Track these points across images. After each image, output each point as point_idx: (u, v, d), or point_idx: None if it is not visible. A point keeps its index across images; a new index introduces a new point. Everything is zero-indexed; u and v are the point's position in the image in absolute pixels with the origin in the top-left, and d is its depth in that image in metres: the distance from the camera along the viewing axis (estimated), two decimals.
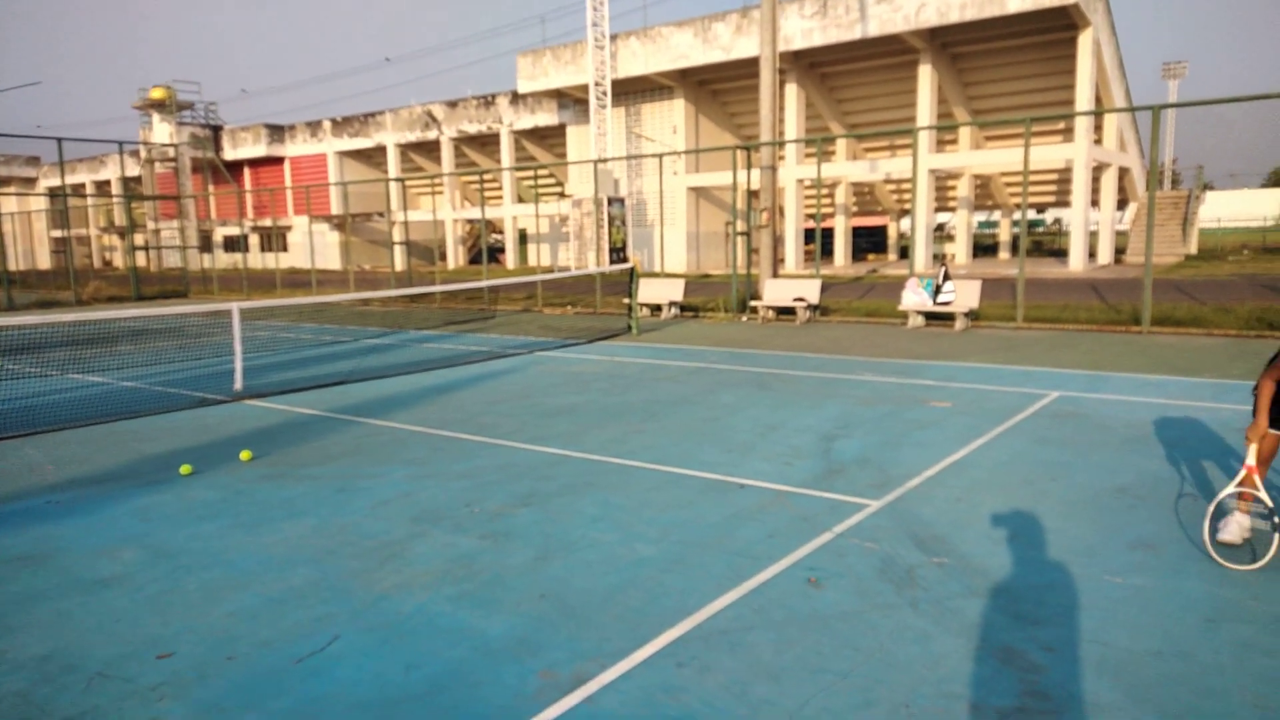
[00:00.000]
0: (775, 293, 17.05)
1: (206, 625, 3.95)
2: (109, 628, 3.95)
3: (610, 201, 26.57)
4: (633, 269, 15.58)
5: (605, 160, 21.93)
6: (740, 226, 18.68)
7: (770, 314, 17.08)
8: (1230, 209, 68.04)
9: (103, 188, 60.52)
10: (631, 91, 35.95)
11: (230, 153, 52.07)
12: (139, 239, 45.89)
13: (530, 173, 42.52)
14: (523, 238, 44.62)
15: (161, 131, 48.78)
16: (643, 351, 12.97)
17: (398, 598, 4.19)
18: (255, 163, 53.04)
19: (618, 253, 26.72)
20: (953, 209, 38.28)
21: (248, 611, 4.08)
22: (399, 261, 28.84)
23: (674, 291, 18.34)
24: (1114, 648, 3.51)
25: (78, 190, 60.54)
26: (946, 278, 14.92)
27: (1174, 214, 33.09)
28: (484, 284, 15.60)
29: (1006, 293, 18.14)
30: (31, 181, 63.75)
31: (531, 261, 42.84)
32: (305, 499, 5.86)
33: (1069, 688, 3.22)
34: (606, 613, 3.95)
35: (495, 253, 51.37)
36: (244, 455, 7.01)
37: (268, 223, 49.29)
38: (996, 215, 48.82)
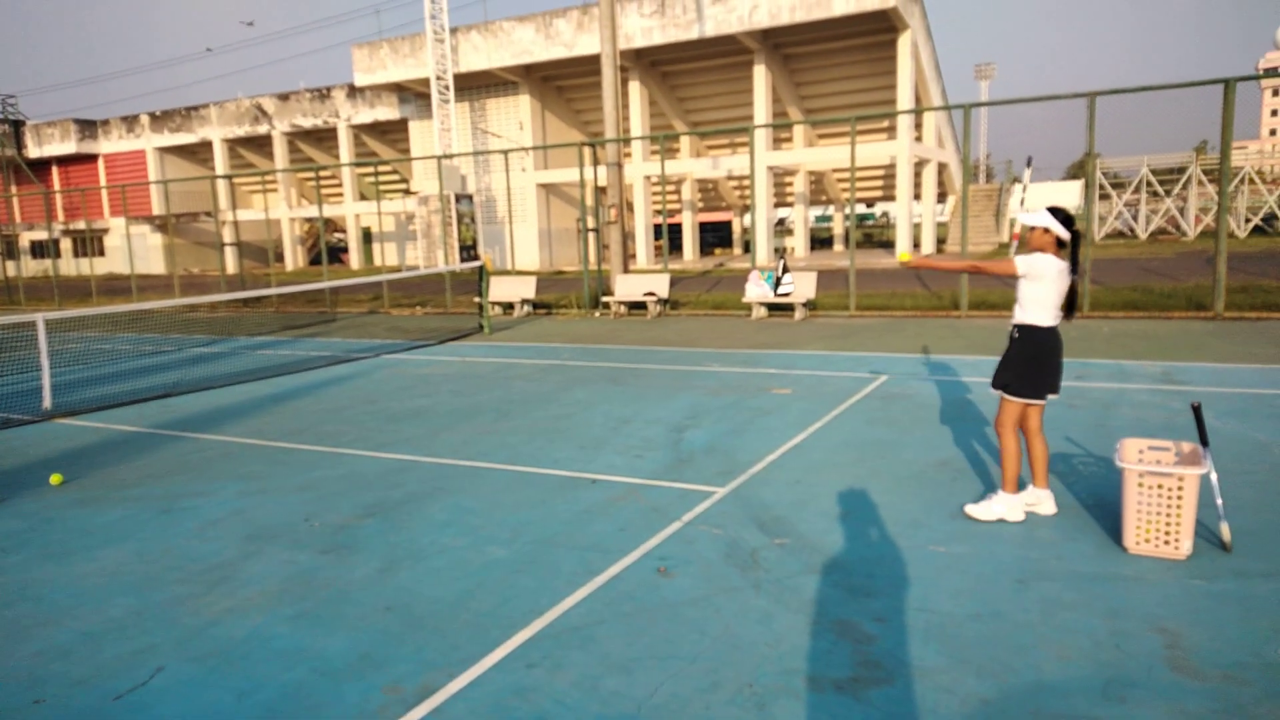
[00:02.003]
0: (626, 288, 17.24)
1: (10, 667, 3.58)
2: None
3: (458, 199, 26.04)
4: (483, 267, 15.34)
5: (450, 156, 21.47)
6: (590, 223, 18.76)
7: (622, 309, 17.25)
8: (1039, 199, 74.50)
9: None
10: (475, 86, 35.38)
11: (35, 150, 47.45)
12: None
13: (371, 169, 41.04)
14: (367, 236, 43.02)
15: None
16: (495, 350, 12.81)
17: (229, 622, 3.94)
18: (65, 161, 48.58)
19: (468, 250, 26.23)
20: (791, 204, 39.96)
21: (59, 649, 3.74)
22: (230, 264, 27.13)
23: (526, 289, 18.20)
24: (937, 614, 3.78)
25: None
26: (785, 270, 15.55)
27: (988, 205, 35.88)
28: (324, 285, 14.93)
29: (841, 283, 19.11)
30: None
31: (377, 261, 41.40)
32: (124, 523, 5.43)
33: (899, 655, 3.43)
34: (455, 620, 3.88)
35: (338, 253, 49.29)
36: (54, 479, 6.41)
37: (81, 225, 45.23)
38: (830, 210, 51.41)
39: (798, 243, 36.87)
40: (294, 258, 43.37)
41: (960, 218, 15.24)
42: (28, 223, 47.61)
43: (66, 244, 48.14)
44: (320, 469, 6.53)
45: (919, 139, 32.32)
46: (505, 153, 20.27)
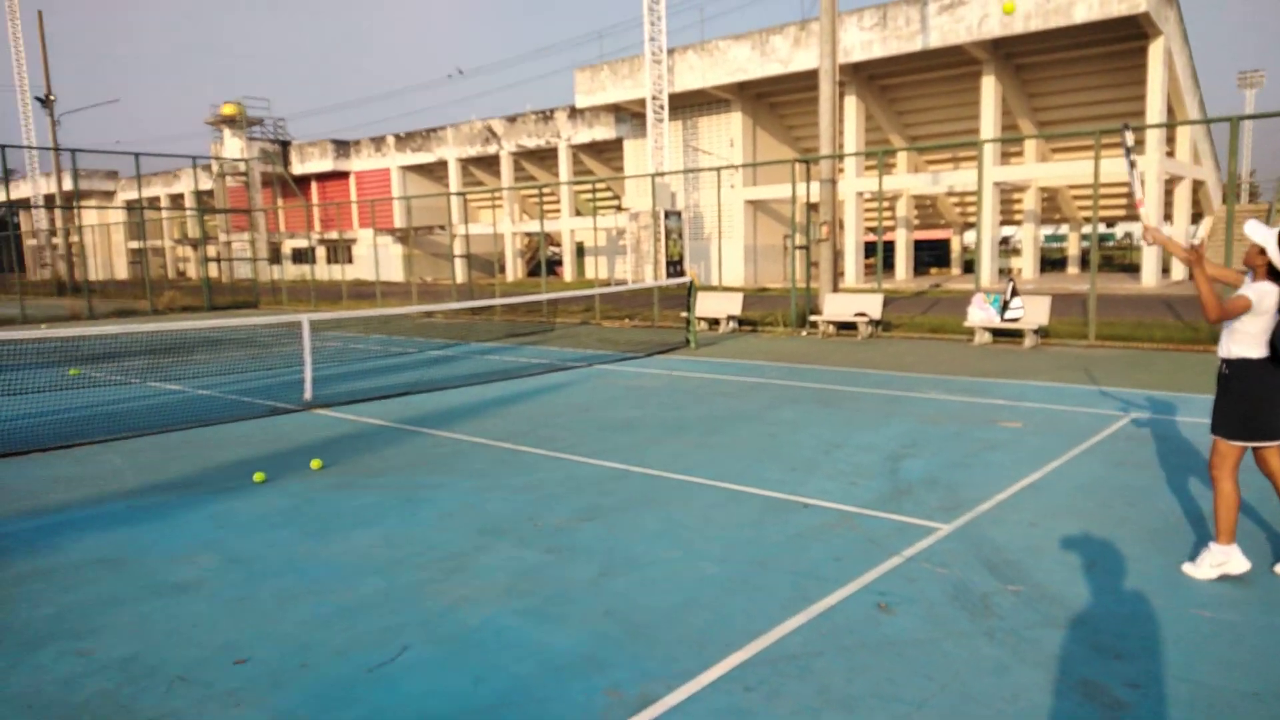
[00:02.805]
0: (836, 307, 16.87)
1: (281, 632, 4.03)
2: (187, 632, 4.06)
3: (667, 215, 26.62)
4: (691, 283, 15.57)
5: (662, 174, 21.99)
6: (799, 240, 18.54)
7: (830, 329, 16.89)
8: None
9: (177, 201, 62.85)
10: (688, 105, 36.06)
11: (298, 167, 53.62)
12: (211, 251, 47.44)
13: (588, 186, 42.89)
14: (580, 250, 44.98)
15: (233, 146, 50.46)
16: (701, 366, 12.94)
17: (465, 610, 4.22)
18: (322, 177, 54.53)
19: (675, 266, 26.73)
20: (1018, 222, 37.45)
21: (320, 619, 4.16)
22: (460, 274, 29.32)
23: (732, 305, 18.27)
24: (1205, 686, 3.36)
25: (153, 203, 62.96)
26: (1014, 293, 14.57)
27: None
28: (543, 297, 15.75)
29: (1077, 309, 17.64)
30: (110, 195, 66.47)
31: (589, 274, 43.17)
32: (373, 509, 5.96)
33: None
34: (671, 632, 3.93)
35: (553, 265, 51.88)
36: (314, 464, 7.16)
37: (334, 235, 50.57)
38: (1064, 229, 47.62)
39: (1025, 264, 34.49)
40: (514, 269, 46.14)
41: (1220, 241, 13.61)
42: (290, 231, 53.84)
43: (321, 251, 53.95)
44: (541, 471, 6.86)
45: (1171, 154, 29.28)
46: (718, 170, 20.48)
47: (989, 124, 28.98)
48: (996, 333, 15.01)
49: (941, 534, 5.17)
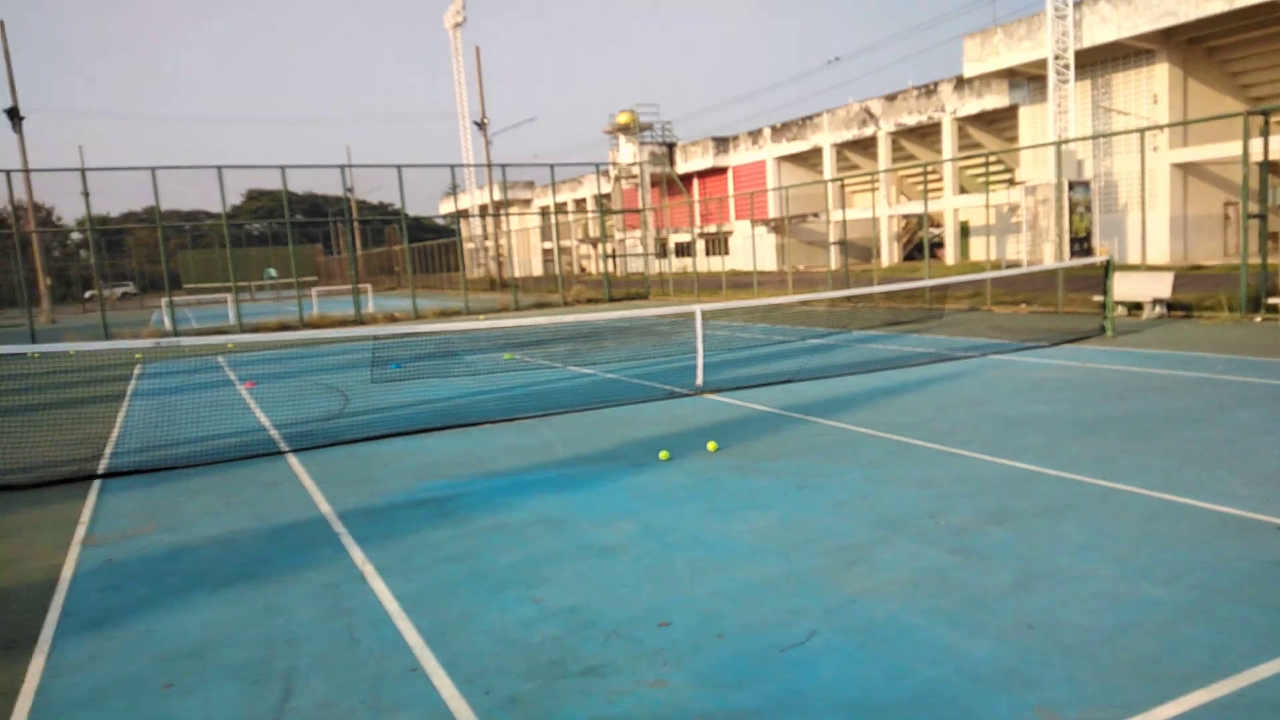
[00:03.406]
0: None
1: (695, 601, 4.32)
2: (617, 591, 4.52)
3: (1072, 186, 23.86)
4: (1109, 262, 13.78)
5: (1067, 141, 19.73)
6: (1253, 208, 15.47)
7: None
8: None
9: (580, 204, 70.61)
10: (1098, 61, 31.92)
11: (682, 166, 57.22)
12: (608, 248, 52.73)
13: (977, 161, 40.04)
14: (964, 231, 42.21)
15: (626, 152, 55.34)
16: (1122, 357, 11.40)
17: (869, 603, 4.17)
18: (703, 174, 57.61)
19: (1080, 243, 23.89)
20: None
21: (729, 594, 4.38)
22: (834, 261, 29.14)
23: (1160, 287, 15.83)
24: None
25: (561, 208, 71.44)
26: None
27: None
28: (927, 283, 15.02)
29: None
30: (528, 202, 76.74)
31: (975, 256, 40.37)
32: (768, 492, 6.15)
33: None
34: (1111, 656, 3.50)
35: (933, 248, 49.37)
36: (710, 446, 7.58)
37: (712, 229, 53.21)
38: None
39: None
40: (889, 254, 44.74)
41: None
42: (674, 227, 57.66)
43: (700, 244, 57.04)
44: (936, 466, 6.55)
45: None
46: (1140, 131, 17.85)
47: None
48: None
49: None
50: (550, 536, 5.48)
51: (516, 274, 40.66)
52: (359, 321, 27.65)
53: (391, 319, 28.40)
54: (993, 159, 41.78)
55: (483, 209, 68.17)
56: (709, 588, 4.49)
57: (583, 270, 68.15)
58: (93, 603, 4.81)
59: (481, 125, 52.94)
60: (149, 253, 68.62)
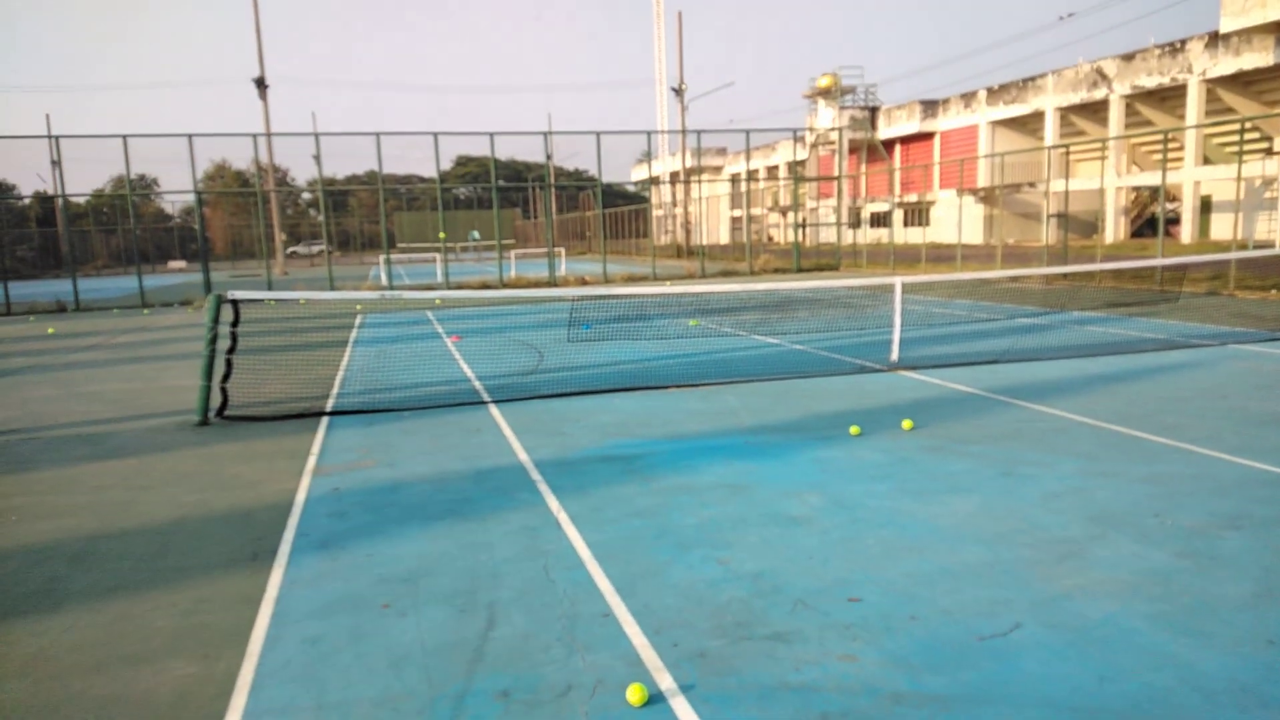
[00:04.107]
0: None
1: (887, 580, 4.19)
2: (803, 562, 4.47)
3: None
4: None
5: None
6: None
7: None
8: None
9: (771, 171, 69.44)
10: None
11: (885, 131, 54.83)
12: (799, 217, 51.67)
13: (1230, 128, 35.62)
14: (1205, 206, 37.79)
15: (825, 116, 53.69)
16: None
17: (1081, 600, 3.88)
18: (906, 140, 54.96)
19: None
20: None
21: (924, 576, 4.22)
22: (1051, 235, 26.97)
23: None
24: None
25: (752, 175, 70.57)
26: None
27: None
28: (1160, 262, 13.59)
29: None
30: (718, 170, 76.37)
31: (1216, 235, 36.13)
32: (968, 476, 5.84)
33: None
34: None
35: (1167, 224, 44.69)
36: (905, 424, 7.30)
37: (913, 198, 50.77)
38: None
39: None
40: (1114, 229, 40.88)
41: None
42: (871, 196, 55.51)
43: (898, 214, 54.62)
44: (1163, 462, 5.96)
45: None
46: None
47: None
48: None
49: None
50: (735, 501, 5.49)
51: (703, 241, 40.75)
52: (553, 283, 28.81)
53: (583, 282, 29.38)
54: (1248, 125, 37.04)
55: (674, 175, 68.68)
56: (902, 568, 4.34)
57: (770, 239, 67.29)
58: (322, 526, 5.35)
59: (679, 91, 53.18)
60: (368, 213, 74.70)
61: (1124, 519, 4.89)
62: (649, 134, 35.93)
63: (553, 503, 5.58)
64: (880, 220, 53.82)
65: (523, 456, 6.77)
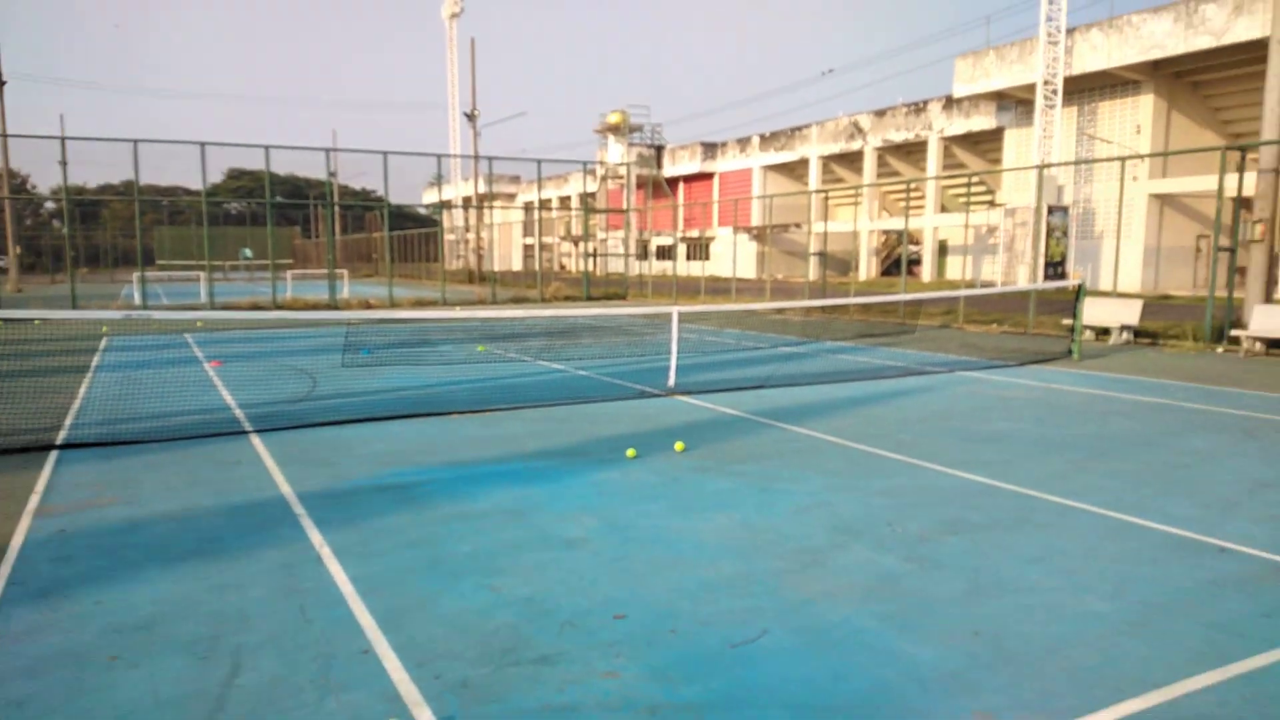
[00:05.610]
0: (1267, 321, 14.13)
1: (652, 595, 4.35)
2: (574, 583, 4.54)
3: (1051, 210, 24.20)
4: (1080, 285, 14.01)
5: (1050, 165, 20.02)
6: (1223, 241, 15.80)
7: (1258, 346, 14.20)
8: None
9: (564, 202, 70.51)
10: (1086, 89, 32.44)
11: (670, 169, 57.34)
12: (590, 247, 52.71)
13: (960, 181, 40.50)
14: (942, 249, 42.66)
15: (615, 152, 55.37)
16: (1086, 380, 11.60)
17: (823, 605, 4.22)
18: (689, 178, 57.78)
19: (1055, 267, 24.21)
20: None
21: (686, 590, 4.42)
22: (813, 272, 29.34)
23: (1128, 313, 16.12)
24: None
25: (545, 204, 71.28)
26: None
27: None
28: (903, 297, 15.19)
29: None
30: (512, 197, 76.47)
31: (951, 275, 40.80)
32: (732, 494, 6.20)
33: None
34: (1051, 665, 3.58)
35: (911, 265, 49.85)
36: (677, 446, 7.63)
37: (695, 233, 53.37)
38: None
39: None
40: (867, 268, 45.11)
41: None
42: (657, 230, 57.77)
43: (681, 248, 57.16)
44: (898, 476, 6.64)
45: None
46: (1121, 160, 18.15)
47: None
48: None
49: None
50: (512, 527, 5.48)
51: (496, 268, 40.50)
52: (333, 306, 27.45)
53: (366, 305, 28.23)
54: (975, 179, 42.31)
55: (466, 200, 67.85)
56: (666, 584, 4.52)
57: (562, 268, 68.00)
58: (42, 573, 4.75)
59: (471, 117, 52.72)
60: (123, 226, 67.63)
61: (862, 529, 5.38)
62: (439, 157, 35.35)
63: (316, 537, 5.30)
64: (665, 253, 55.96)
65: (286, 489, 6.38)
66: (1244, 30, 25.62)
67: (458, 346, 15.68)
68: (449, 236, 70.97)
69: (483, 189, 53.69)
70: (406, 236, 59.69)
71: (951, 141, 40.78)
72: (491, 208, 43.37)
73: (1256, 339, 14.18)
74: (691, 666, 3.60)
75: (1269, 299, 15.27)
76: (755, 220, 49.94)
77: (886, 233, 46.92)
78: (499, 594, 4.40)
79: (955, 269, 40.23)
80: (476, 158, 47.88)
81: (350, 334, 16.30)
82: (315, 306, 26.82)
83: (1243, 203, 15.57)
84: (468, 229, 61.05)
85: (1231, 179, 15.37)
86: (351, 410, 9.42)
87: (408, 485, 6.45)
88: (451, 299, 31.80)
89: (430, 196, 78.16)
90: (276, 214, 27.97)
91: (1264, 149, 14.89)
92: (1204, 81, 30.75)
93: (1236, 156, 15.42)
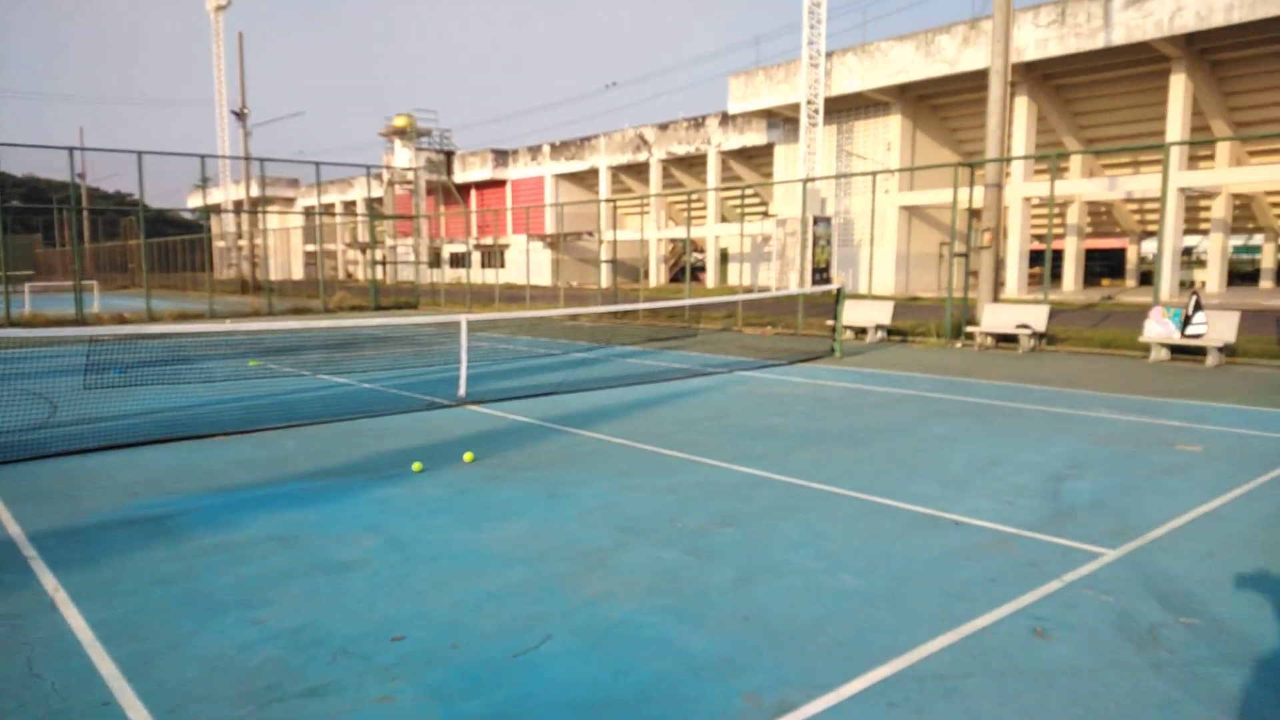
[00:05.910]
0: (995, 318, 16.06)
1: (435, 613, 4.24)
2: (350, 608, 4.34)
3: (816, 221, 26.17)
4: (840, 289, 15.24)
5: (813, 179, 21.64)
6: (959, 247, 17.77)
7: (989, 341, 16.09)
8: None
9: (349, 207, 67.41)
10: (844, 109, 35.32)
11: (460, 175, 56.31)
12: (378, 254, 50.66)
13: (736, 193, 42.79)
14: (724, 257, 44.92)
15: (402, 156, 53.60)
16: (846, 375, 12.63)
17: (606, 605, 4.30)
18: (481, 185, 57.04)
19: (821, 273, 26.23)
20: (1204, 231, 34.43)
21: (471, 603, 4.35)
22: (605, 279, 29.93)
23: (881, 314, 17.73)
24: None
25: (328, 209, 67.76)
26: (1198, 307, 13.40)
27: None
28: (686, 303, 15.84)
29: (1269, 327, 16.02)
30: (291, 201, 72.12)
31: (732, 281, 43.05)
32: (520, 501, 6.18)
33: None
34: (812, 642, 3.86)
35: (696, 271, 52.07)
36: (467, 457, 7.50)
37: (489, 241, 52.77)
38: (1258, 239, 43.39)
39: (1211, 276, 31.64)
40: (657, 275, 46.65)
41: None
42: (450, 237, 56.62)
43: (476, 256, 56.40)
44: (681, 474, 6.90)
45: None
46: (873, 175, 19.95)
47: (1176, 125, 26.80)
48: (1175, 349, 13.85)
49: (1107, 560, 4.82)
50: (280, 554, 5.15)
51: (274, 277, 37.96)
52: (79, 322, 24.57)
53: (121, 320, 25.51)
54: (749, 192, 44.90)
55: (237, 204, 63.12)
56: (450, 598, 4.43)
57: (349, 276, 64.89)
58: None
59: (240, 115, 49.14)
60: None
61: (646, 526, 5.55)
62: (203, 157, 32.52)
63: (49, 581, 4.71)
64: (459, 261, 54.88)
65: (13, 530, 5.62)
66: (971, 60, 28.98)
67: (226, 363, 14.54)
68: (219, 244, 65.69)
69: (256, 192, 50.18)
70: (168, 244, 54.59)
71: (729, 155, 43.03)
72: (266, 212, 40.59)
73: (987, 334, 16.07)
74: (473, 681, 3.55)
75: (996, 299, 17.35)
76: (549, 228, 50.16)
77: (673, 241, 48.73)
78: (263, 626, 4.12)
79: (736, 275, 42.47)
80: (248, 159, 44.72)
81: (93, 352, 14.64)
82: (59, 323, 23.88)
83: (974, 213, 17.62)
84: (240, 235, 56.83)
85: (964, 192, 17.35)
86: (97, 437, 8.47)
87: (160, 517, 5.89)
88: (221, 311, 29.44)
89: (196, 200, 71.95)
90: (11, 219, 24.64)
91: (989, 166, 16.92)
92: (941, 105, 34.46)
93: (967, 173, 17.41)
